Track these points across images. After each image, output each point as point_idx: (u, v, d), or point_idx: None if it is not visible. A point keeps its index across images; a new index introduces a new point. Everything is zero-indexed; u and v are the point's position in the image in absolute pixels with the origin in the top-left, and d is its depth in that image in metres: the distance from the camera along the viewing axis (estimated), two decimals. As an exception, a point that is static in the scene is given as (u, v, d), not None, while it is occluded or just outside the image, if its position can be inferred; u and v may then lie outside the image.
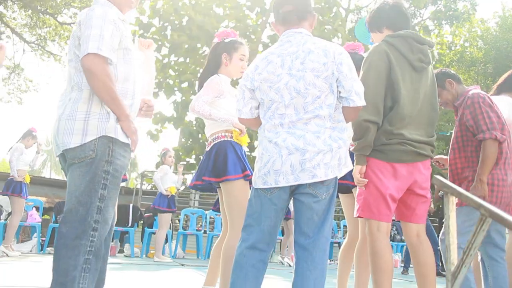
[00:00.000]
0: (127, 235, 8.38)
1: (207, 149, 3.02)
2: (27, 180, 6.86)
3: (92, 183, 2.10)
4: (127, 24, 2.34)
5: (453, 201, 1.49)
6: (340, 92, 2.26)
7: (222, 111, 2.91)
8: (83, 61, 2.07)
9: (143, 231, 8.56)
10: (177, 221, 9.72)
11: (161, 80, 17.78)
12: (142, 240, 8.50)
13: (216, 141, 2.92)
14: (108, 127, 2.13)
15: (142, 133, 17.72)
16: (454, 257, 1.45)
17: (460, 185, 2.85)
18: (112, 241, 6.99)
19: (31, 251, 7.58)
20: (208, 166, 2.88)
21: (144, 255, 8.11)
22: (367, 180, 2.49)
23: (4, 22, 17.21)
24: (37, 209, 8.20)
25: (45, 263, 5.73)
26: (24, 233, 8.69)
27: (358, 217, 2.57)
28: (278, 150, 2.22)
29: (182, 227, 9.31)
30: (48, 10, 16.65)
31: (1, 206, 7.70)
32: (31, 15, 17.33)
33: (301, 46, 2.27)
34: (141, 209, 9.09)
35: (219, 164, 2.86)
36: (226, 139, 2.95)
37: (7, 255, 6.48)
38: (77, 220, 2.08)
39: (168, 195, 7.28)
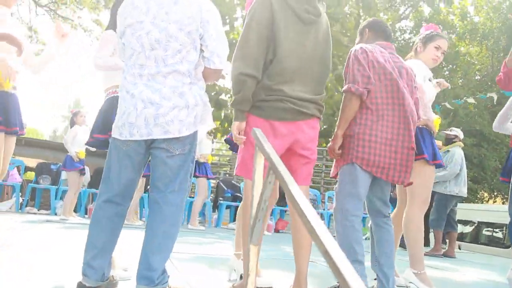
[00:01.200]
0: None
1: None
2: (82, 156, 6.81)
3: None
4: None
5: (260, 156, 1.40)
6: (203, 51, 2.19)
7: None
8: None
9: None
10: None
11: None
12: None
13: (109, 96, 2.82)
14: None
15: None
16: (253, 212, 1.38)
17: None
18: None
19: (10, 208, 7.71)
20: (97, 123, 2.80)
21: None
22: (245, 138, 2.37)
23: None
24: (19, 169, 8.30)
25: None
26: (4, 193, 8.83)
27: (236, 174, 2.49)
28: (134, 102, 2.16)
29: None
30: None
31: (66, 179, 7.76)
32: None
33: None
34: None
35: (108, 120, 2.76)
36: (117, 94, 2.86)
37: None
38: None
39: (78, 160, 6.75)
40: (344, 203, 2.61)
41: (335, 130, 2.66)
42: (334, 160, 2.74)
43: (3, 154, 2.88)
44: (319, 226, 0.76)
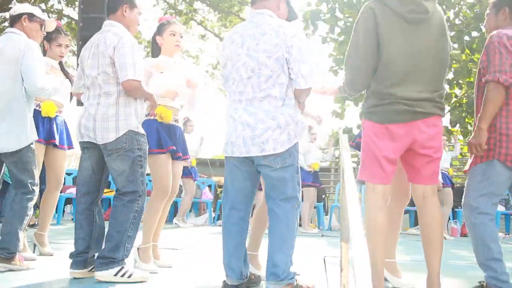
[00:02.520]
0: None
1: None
2: (193, 164, 8.03)
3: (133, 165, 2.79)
4: None
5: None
6: (290, 74, 2.45)
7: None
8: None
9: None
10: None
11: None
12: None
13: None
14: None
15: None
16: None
17: None
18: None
19: (205, 222, 8.84)
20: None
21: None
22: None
23: (203, 26, 19.45)
24: (210, 187, 9.47)
25: (202, 230, 6.75)
26: (201, 209, 10.07)
27: (358, 179, 2.61)
28: (235, 125, 2.51)
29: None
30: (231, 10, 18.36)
31: (181, 185, 9.11)
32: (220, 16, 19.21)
33: (258, 27, 2.48)
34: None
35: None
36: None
37: (179, 226, 7.75)
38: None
39: (310, 171, 7.66)
40: (474, 200, 2.55)
41: (478, 123, 2.56)
42: (472, 155, 2.64)
43: (176, 176, 3.46)
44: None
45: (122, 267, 2.72)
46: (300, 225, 8.24)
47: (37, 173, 3.16)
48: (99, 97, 2.82)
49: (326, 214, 8.90)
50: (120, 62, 2.74)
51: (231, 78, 2.57)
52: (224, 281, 2.58)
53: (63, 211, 8.57)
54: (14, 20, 3.22)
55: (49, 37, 3.73)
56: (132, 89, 2.77)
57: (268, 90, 2.45)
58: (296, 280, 2.51)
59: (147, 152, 2.92)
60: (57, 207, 7.36)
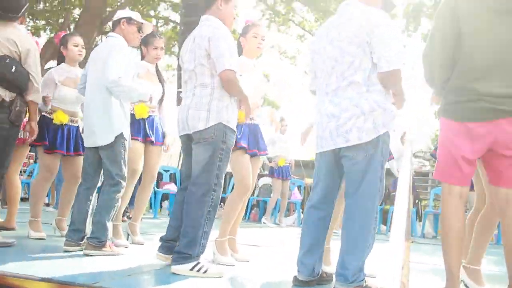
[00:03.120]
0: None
1: None
2: (280, 164, 8.16)
3: (212, 157, 2.81)
4: None
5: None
6: (372, 58, 2.37)
7: None
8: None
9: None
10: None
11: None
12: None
13: None
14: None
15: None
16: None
17: None
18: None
19: (294, 223, 8.89)
20: None
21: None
22: None
23: (301, 27, 19.47)
24: (299, 188, 9.51)
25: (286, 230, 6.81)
26: (291, 210, 10.13)
27: (433, 178, 2.50)
28: (321, 117, 2.50)
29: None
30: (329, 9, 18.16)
31: (270, 185, 9.27)
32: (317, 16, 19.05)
33: (342, 16, 2.47)
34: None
35: None
36: None
37: (267, 225, 7.90)
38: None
39: None
40: None
41: None
42: None
43: (253, 172, 3.55)
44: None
45: (198, 263, 2.76)
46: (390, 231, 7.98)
47: (125, 167, 3.39)
48: (194, 88, 2.88)
49: (420, 220, 8.52)
50: (216, 53, 2.78)
51: (319, 71, 2.58)
52: (295, 276, 2.61)
53: (160, 206, 9.11)
54: (115, 25, 3.52)
55: (146, 41, 4.02)
56: (229, 80, 2.79)
57: (350, 77, 2.41)
58: (365, 282, 2.46)
59: (231, 148, 2.93)
60: (154, 202, 7.90)
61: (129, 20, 3.51)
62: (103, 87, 3.29)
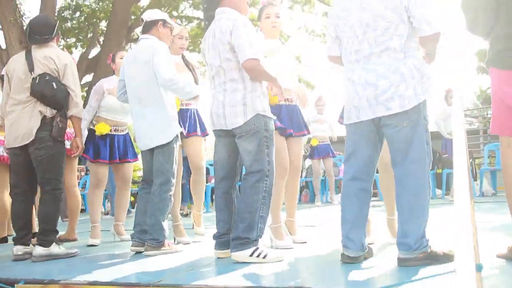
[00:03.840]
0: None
1: None
2: (314, 144, 8.19)
3: (259, 146, 2.83)
4: None
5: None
6: (412, 22, 2.27)
7: None
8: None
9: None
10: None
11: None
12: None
13: None
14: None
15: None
16: None
17: None
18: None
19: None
20: None
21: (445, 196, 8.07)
22: None
23: (325, 3, 19.17)
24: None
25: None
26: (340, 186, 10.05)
27: (490, 133, 2.39)
28: (354, 87, 2.41)
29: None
30: None
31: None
32: None
33: None
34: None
35: None
36: None
37: (317, 205, 7.86)
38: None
39: (451, 139, 7.19)
40: None
41: None
42: None
43: (291, 154, 3.51)
44: None
45: (257, 248, 2.77)
46: (447, 194, 7.78)
47: (176, 167, 3.44)
48: (224, 84, 2.88)
49: (475, 180, 8.25)
50: (238, 44, 2.77)
51: (345, 37, 2.48)
52: (343, 253, 2.53)
53: (211, 199, 9.22)
54: (149, 26, 3.53)
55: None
56: (252, 68, 2.78)
57: (386, 43, 2.33)
58: (429, 247, 2.39)
59: (273, 134, 2.93)
60: (205, 196, 8.00)
61: (164, 22, 3.55)
62: (154, 88, 3.35)
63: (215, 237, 3.03)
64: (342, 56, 2.55)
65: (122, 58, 4.18)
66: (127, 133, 4.44)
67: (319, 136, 8.16)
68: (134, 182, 10.12)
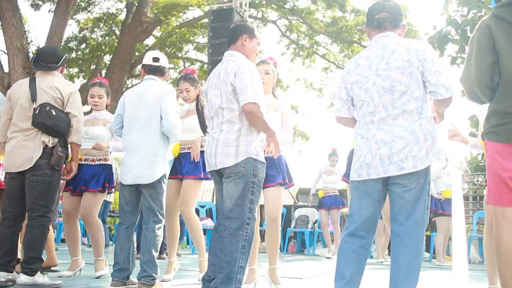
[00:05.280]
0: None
1: None
2: (320, 195, 8.18)
3: (244, 191, 2.77)
4: None
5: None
6: (427, 87, 2.39)
7: None
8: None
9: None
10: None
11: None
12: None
13: None
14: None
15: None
16: None
17: None
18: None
19: (333, 255, 8.70)
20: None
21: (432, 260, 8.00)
22: None
23: (326, 59, 19.58)
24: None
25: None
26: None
27: (487, 203, 2.44)
28: (369, 145, 2.47)
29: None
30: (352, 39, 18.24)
31: (307, 217, 9.14)
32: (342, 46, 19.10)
33: (386, 47, 2.49)
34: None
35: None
36: None
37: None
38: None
39: (440, 199, 7.25)
40: None
41: None
42: None
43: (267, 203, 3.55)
44: None
45: None
46: (434, 258, 7.74)
47: (165, 204, 3.49)
48: (221, 124, 2.84)
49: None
50: (240, 86, 2.77)
51: (359, 100, 2.56)
52: None
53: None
54: (156, 70, 3.61)
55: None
56: (251, 112, 2.74)
57: (403, 106, 2.42)
58: None
59: (261, 181, 2.88)
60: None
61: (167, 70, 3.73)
62: (157, 129, 3.43)
63: (204, 280, 2.93)
64: (355, 117, 2.61)
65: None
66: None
67: (327, 188, 8.13)
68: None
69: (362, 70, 2.54)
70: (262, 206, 4.95)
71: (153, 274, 3.27)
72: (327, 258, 7.84)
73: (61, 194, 4.50)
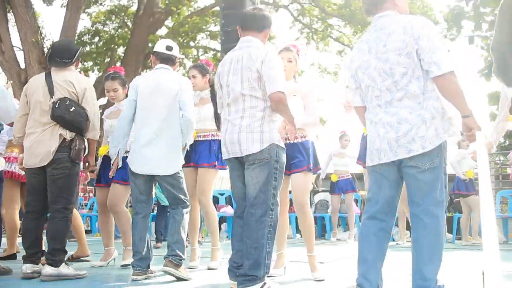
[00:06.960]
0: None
1: None
2: (334, 179, 8.13)
3: (268, 177, 2.79)
4: None
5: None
6: (422, 65, 2.32)
7: None
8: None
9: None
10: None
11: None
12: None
13: None
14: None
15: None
16: None
17: None
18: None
19: (355, 238, 8.67)
20: None
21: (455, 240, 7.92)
22: None
23: (340, 41, 19.28)
24: (356, 202, 9.30)
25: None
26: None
27: None
28: (377, 129, 2.43)
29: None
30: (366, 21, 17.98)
31: (327, 201, 9.09)
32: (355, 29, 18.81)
33: (383, 29, 2.42)
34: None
35: None
36: None
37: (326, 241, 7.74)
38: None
39: (465, 180, 7.15)
40: None
41: None
42: None
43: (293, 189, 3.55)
44: None
45: (265, 283, 2.72)
46: (459, 238, 7.64)
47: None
48: (243, 111, 2.82)
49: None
50: (269, 74, 2.76)
51: (364, 85, 2.52)
52: None
53: (220, 229, 9.15)
54: (169, 60, 3.65)
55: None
56: (279, 101, 2.76)
57: (405, 88, 2.36)
58: None
59: (283, 167, 2.89)
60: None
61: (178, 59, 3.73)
62: (176, 121, 3.48)
63: (232, 266, 2.90)
64: (365, 102, 2.57)
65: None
66: None
67: (339, 171, 8.06)
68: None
69: (363, 54, 2.49)
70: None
71: (182, 254, 3.38)
72: (337, 240, 7.87)
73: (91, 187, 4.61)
